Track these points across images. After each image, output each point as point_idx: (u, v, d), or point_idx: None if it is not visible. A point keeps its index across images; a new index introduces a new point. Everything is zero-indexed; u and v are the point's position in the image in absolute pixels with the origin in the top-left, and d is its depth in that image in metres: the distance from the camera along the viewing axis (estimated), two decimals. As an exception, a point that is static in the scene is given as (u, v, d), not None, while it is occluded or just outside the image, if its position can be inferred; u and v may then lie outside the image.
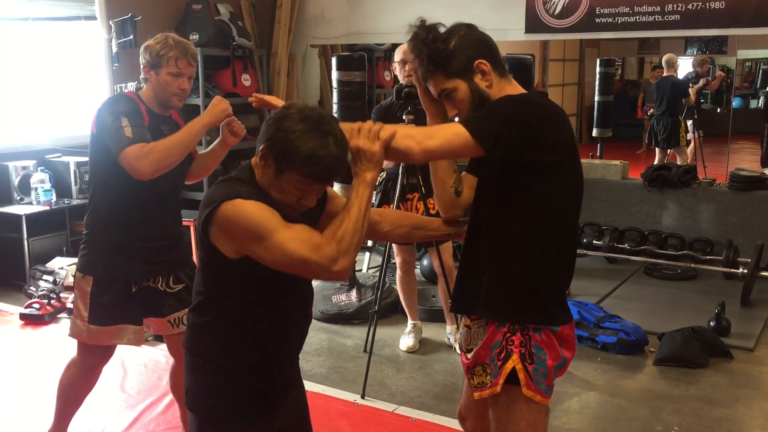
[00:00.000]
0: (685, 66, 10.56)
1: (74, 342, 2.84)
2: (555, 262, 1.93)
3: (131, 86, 5.20)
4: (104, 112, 2.64)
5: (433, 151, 1.82)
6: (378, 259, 5.50)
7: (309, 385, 3.69)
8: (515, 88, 1.97)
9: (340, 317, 4.68)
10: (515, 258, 1.91)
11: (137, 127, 2.60)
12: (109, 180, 2.69)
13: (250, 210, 1.69)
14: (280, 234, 1.67)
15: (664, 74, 8.51)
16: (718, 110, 10.61)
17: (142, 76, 2.76)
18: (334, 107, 5.07)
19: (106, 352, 2.86)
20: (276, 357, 1.88)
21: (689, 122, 8.70)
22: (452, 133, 1.81)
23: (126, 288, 2.73)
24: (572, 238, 2.03)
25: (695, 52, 11.85)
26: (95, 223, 2.74)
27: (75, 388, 2.88)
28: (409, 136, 1.79)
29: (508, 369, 1.91)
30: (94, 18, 5.82)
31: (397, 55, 3.99)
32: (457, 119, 1.95)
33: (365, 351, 4.02)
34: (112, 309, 2.72)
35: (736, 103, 12.44)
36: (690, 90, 8.65)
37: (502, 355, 1.92)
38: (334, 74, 5.07)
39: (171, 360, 2.98)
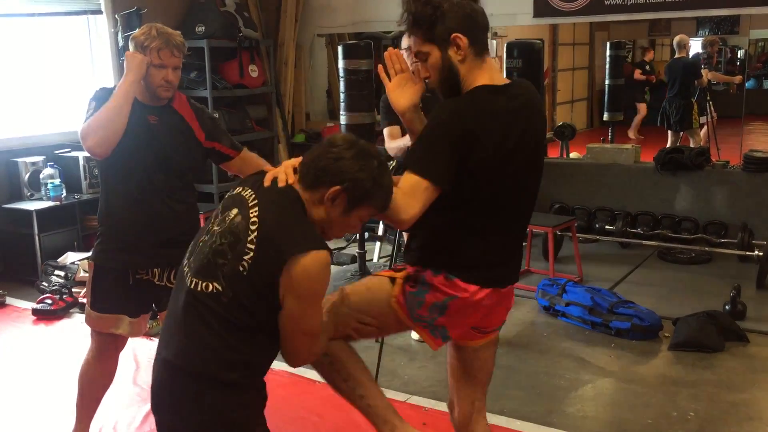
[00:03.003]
0: (697, 48, 10.43)
1: (88, 335, 2.87)
2: (476, 248, 2.02)
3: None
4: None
5: (417, 214, 1.90)
6: (388, 249, 5.48)
7: (321, 376, 3.70)
8: (488, 74, 1.98)
9: (351, 307, 4.66)
10: (436, 235, 2.05)
11: (95, 111, 2.63)
12: (101, 173, 2.81)
13: (324, 276, 1.72)
14: (316, 315, 1.77)
15: (676, 56, 8.41)
16: (731, 91, 10.49)
17: None
18: (342, 96, 5.02)
19: (114, 340, 2.86)
20: None
21: (710, 103, 8.56)
22: (416, 188, 1.87)
23: (122, 278, 2.75)
24: (506, 227, 2.07)
25: (707, 33, 11.69)
26: (98, 213, 2.83)
27: (90, 377, 2.89)
28: (398, 209, 1.87)
29: (393, 274, 2.11)
30: (99, 12, 5.83)
31: (404, 42, 3.94)
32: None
33: (376, 341, 4.00)
34: (110, 298, 2.75)
35: (749, 83, 12.29)
36: (702, 71, 8.55)
37: (401, 270, 2.12)
38: (341, 63, 5.02)
39: None
